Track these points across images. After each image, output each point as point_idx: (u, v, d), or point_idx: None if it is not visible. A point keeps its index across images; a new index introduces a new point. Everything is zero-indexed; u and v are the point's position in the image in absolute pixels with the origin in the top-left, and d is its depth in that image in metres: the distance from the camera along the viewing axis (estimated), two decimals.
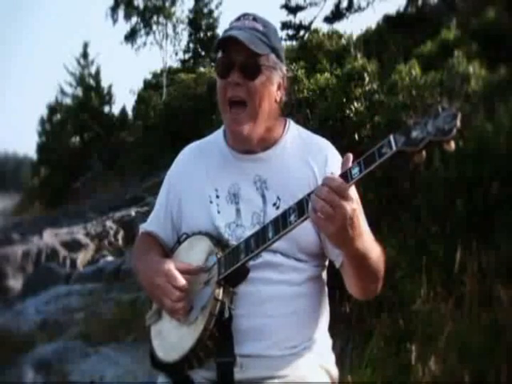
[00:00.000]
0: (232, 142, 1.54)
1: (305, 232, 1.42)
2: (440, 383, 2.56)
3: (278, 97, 1.51)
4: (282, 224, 1.29)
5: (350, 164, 1.20)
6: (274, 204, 1.45)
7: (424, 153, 1.12)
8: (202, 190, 1.53)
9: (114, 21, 23.39)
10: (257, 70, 1.44)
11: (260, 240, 1.33)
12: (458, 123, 1.06)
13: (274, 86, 1.49)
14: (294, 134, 1.57)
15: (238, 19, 1.51)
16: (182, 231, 1.57)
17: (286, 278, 1.44)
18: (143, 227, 1.69)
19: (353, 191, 1.26)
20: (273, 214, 1.39)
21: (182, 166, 1.65)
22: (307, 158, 1.50)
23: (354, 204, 1.19)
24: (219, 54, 1.49)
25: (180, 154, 1.69)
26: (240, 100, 1.45)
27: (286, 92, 1.55)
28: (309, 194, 1.26)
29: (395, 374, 2.80)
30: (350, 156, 1.22)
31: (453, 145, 1.09)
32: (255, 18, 1.50)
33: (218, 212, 1.49)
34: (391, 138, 1.14)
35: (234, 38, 1.40)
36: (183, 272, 1.42)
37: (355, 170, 1.19)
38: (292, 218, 1.27)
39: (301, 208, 1.26)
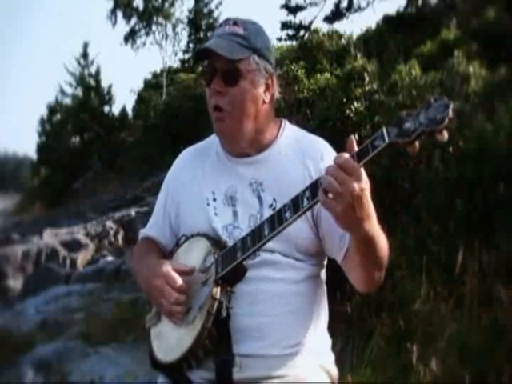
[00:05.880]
0: (223, 144, 1.55)
1: (301, 232, 1.42)
2: (440, 383, 2.56)
3: (266, 98, 1.49)
4: (277, 221, 1.29)
5: (355, 146, 1.18)
6: (271, 205, 1.45)
7: (417, 144, 1.11)
8: (200, 193, 1.54)
9: (114, 22, 23.39)
10: (237, 75, 1.43)
11: (256, 238, 1.33)
12: (451, 112, 1.06)
13: (259, 89, 1.47)
14: (290, 135, 1.56)
15: (220, 26, 1.50)
16: (181, 233, 1.58)
17: (284, 276, 1.43)
18: (143, 233, 1.70)
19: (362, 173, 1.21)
20: None
21: (179, 170, 1.66)
22: (302, 158, 1.49)
23: (363, 184, 1.16)
24: (205, 62, 1.49)
25: (177, 158, 1.70)
26: (221, 108, 1.45)
27: (283, 90, 1.52)
28: (303, 191, 1.26)
29: (395, 374, 2.80)
30: (353, 138, 1.19)
31: (446, 134, 1.08)
32: (236, 22, 1.47)
33: (216, 214, 1.50)
34: (384, 130, 1.14)
35: (208, 49, 1.41)
36: (181, 273, 1.41)
37: None
38: (287, 214, 1.27)
39: (296, 204, 1.26)
